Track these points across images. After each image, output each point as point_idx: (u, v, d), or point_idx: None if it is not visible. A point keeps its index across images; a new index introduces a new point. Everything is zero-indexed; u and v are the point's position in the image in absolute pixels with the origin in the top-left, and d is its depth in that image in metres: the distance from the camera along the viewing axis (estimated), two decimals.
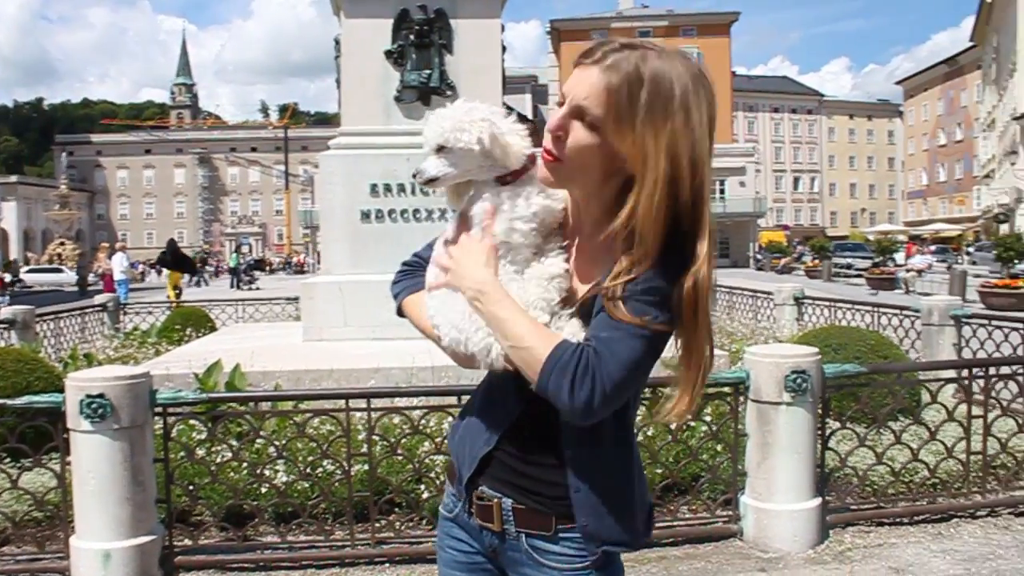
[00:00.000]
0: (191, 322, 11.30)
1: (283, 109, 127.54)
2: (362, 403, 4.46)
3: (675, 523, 4.81)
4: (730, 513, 4.83)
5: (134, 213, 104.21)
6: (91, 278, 39.78)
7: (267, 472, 4.71)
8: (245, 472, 4.77)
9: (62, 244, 54.14)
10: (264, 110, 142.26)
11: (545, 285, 1.59)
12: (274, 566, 4.48)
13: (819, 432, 4.76)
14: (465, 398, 4.20)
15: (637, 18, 70.04)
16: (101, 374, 4.27)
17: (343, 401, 4.47)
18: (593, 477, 1.59)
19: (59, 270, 47.16)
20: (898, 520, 4.99)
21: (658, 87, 1.44)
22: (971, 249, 47.69)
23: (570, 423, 1.52)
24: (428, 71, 8.83)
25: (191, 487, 4.68)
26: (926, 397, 5.43)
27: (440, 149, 1.61)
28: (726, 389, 4.78)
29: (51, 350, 10.32)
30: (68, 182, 67.73)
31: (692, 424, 5.02)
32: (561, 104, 1.51)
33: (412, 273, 1.82)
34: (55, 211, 61.33)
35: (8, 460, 4.85)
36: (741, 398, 4.72)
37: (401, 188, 8.57)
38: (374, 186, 8.60)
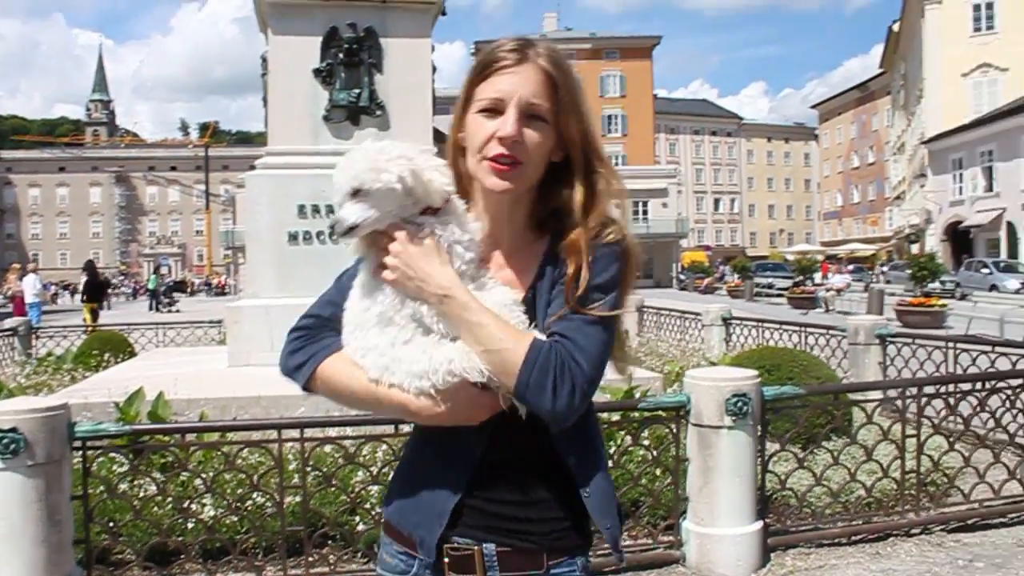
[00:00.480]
0: (109, 347, 10.88)
1: (204, 128, 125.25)
2: (294, 433, 4.28)
3: None
4: (672, 539, 4.77)
5: (47, 232, 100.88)
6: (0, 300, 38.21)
7: (194, 506, 4.49)
8: (170, 507, 4.53)
9: None
10: (184, 128, 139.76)
11: (507, 314, 1.50)
12: None
13: (759, 454, 4.75)
14: (404, 427, 4.08)
15: (561, 40, 70.74)
16: (13, 406, 4.00)
17: (274, 431, 4.29)
18: (596, 476, 1.56)
19: None
20: (837, 541, 5.00)
21: (573, 72, 1.59)
22: (885, 268, 49.29)
23: (564, 430, 1.49)
24: (358, 90, 8.68)
25: (112, 524, 4.43)
26: (859, 416, 5.48)
27: (356, 193, 1.49)
28: (667, 414, 4.73)
29: None
30: None
31: (631, 449, 4.96)
32: (492, 110, 1.52)
33: (313, 337, 1.64)
34: None
35: None
36: (682, 422, 4.68)
37: (330, 209, 8.33)
38: (302, 207, 8.39)
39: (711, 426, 4.52)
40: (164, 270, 71.38)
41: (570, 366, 1.42)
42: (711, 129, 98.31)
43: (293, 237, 8.37)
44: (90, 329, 13.70)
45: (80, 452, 4.14)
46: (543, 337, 1.46)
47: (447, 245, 1.52)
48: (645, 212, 56.22)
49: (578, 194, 1.55)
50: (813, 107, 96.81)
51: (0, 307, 35.43)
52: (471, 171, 1.57)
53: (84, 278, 19.90)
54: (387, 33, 8.72)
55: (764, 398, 4.71)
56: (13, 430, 3.82)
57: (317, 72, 8.68)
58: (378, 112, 8.70)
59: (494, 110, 1.51)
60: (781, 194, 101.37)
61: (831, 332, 9.26)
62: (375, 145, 1.53)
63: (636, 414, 4.74)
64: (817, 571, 4.65)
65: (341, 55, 8.66)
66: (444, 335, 1.51)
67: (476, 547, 1.53)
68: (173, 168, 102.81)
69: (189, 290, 63.25)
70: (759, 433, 4.72)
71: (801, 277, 38.38)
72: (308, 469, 4.40)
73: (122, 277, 76.31)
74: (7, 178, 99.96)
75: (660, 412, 4.73)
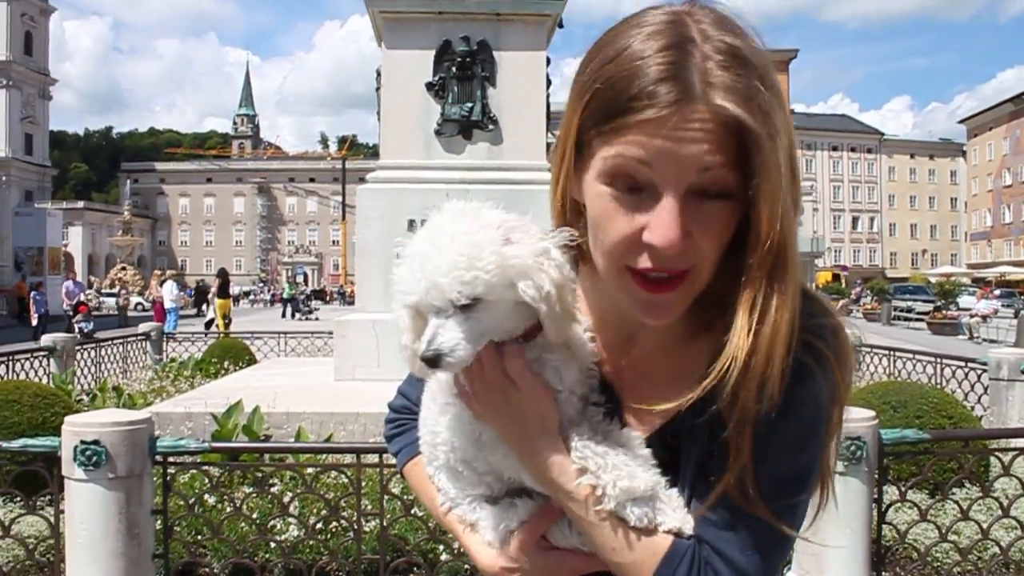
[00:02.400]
0: (230, 354, 11.18)
1: (342, 140, 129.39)
2: (373, 458, 4.16)
3: None
4: None
5: (194, 240, 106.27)
6: (145, 304, 40.35)
7: (277, 525, 4.44)
8: (253, 526, 4.49)
9: (123, 269, 55.24)
10: (324, 141, 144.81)
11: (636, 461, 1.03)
12: None
13: (875, 503, 4.32)
14: None
15: None
16: (98, 419, 4.03)
17: (352, 456, 4.17)
18: None
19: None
20: None
21: (776, 99, 0.93)
22: None
23: None
24: (470, 104, 8.59)
25: (195, 541, 4.41)
26: (996, 464, 4.95)
27: (471, 305, 0.97)
28: None
29: (89, 380, 10.24)
30: (131, 208, 69.45)
31: None
32: (632, 188, 0.94)
33: (404, 426, 1.36)
34: (118, 236, 62.78)
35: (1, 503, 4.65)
36: None
37: None
38: (412, 222, 8.32)
39: None
40: (300, 278, 73.99)
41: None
42: (850, 145, 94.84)
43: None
44: (221, 335, 14.17)
45: (161, 468, 4.14)
46: (688, 531, 1.01)
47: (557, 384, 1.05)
48: None
49: (770, 315, 0.95)
50: (961, 122, 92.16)
51: (144, 311, 37.55)
52: (601, 271, 1.03)
53: (218, 281, 21.78)
54: (500, 46, 8.60)
55: (882, 441, 4.29)
56: (96, 442, 3.83)
57: (430, 86, 8.63)
58: (491, 126, 8.58)
59: (636, 188, 0.94)
60: (924, 213, 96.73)
61: (970, 365, 8.55)
62: (491, 219, 1.01)
63: None
64: None
65: (454, 69, 8.58)
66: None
67: None
68: (312, 179, 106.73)
69: (328, 298, 65.22)
70: (875, 479, 4.31)
71: (943, 301, 36.34)
72: (388, 496, 4.27)
73: (261, 284, 79.59)
74: (160, 188, 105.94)
75: None
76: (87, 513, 3.87)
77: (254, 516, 4.49)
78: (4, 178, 61.15)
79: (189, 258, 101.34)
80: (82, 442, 3.83)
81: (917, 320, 33.08)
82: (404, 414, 1.38)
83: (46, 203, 63.33)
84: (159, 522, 4.14)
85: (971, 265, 76.44)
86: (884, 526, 4.40)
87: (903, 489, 4.46)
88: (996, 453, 4.74)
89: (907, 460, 4.71)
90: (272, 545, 4.46)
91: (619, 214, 0.95)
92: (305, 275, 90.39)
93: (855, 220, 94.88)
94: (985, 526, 4.60)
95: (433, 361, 0.97)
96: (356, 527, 4.21)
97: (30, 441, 4.14)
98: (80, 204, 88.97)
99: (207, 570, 4.53)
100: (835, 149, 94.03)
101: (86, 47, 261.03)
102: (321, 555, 4.46)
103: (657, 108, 0.89)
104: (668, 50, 0.90)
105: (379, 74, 9.27)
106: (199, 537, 4.58)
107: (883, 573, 4.40)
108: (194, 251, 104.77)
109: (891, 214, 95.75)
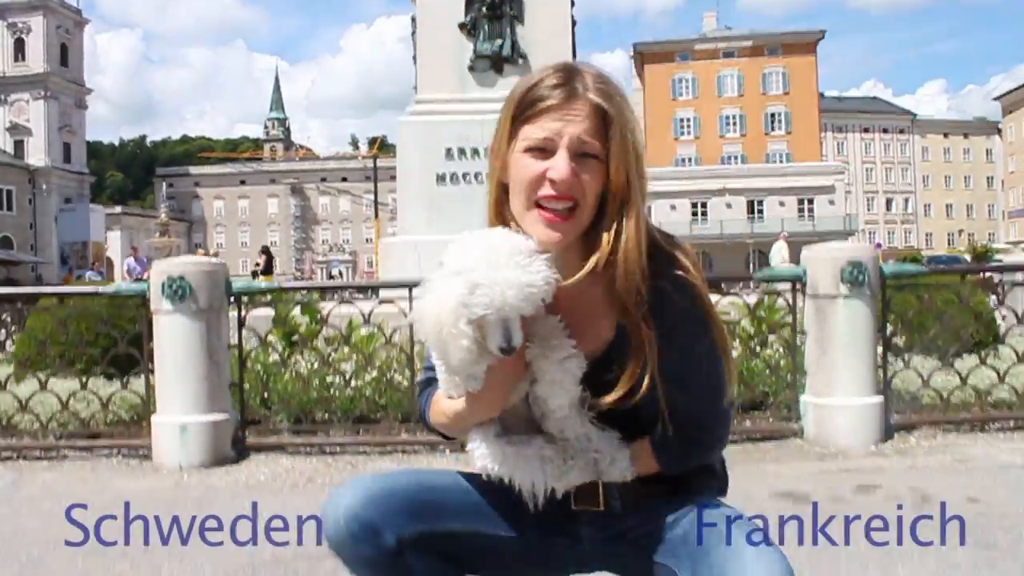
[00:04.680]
0: None
1: (372, 141, 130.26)
2: None
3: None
4: (790, 413, 4.82)
5: (230, 241, 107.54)
6: None
7: (337, 379, 4.96)
8: (317, 378, 5.00)
9: None
10: (354, 143, 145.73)
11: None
12: (340, 451, 4.69)
13: (880, 332, 4.72)
14: None
15: (721, 39, 69.79)
16: (182, 260, 4.56)
17: (405, 290, 4.64)
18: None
19: None
20: (969, 424, 4.90)
21: (625, 100, 1.49)
22: None
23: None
24: (500, 41, 9.09)
25: (264, 381, 4.94)
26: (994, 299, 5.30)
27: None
28: (783, 286, 4.80)
29: None
30: (168, 211, 70.65)
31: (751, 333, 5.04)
32: (540, 149, 1.44)
33: (426, 391, 1.68)
34: (156, 238, 63.88)
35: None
36: (799, 295, 4.73)
37: (475, 152, 8.81)
38: (449, 150, 8.87)
39: (827, 295, 4.56)
40: (336, 272, 74.81)
41: (696, 440, 1.51)
42: (882, 126, 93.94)
43: (441, 178, 8.86)
44: None
45: (236, 305, 4.66)
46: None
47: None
48: (811, 209, 54.42)
49: (625, 230, 1.44)
50: (996, 99, 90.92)
51: None
52: (516, 216, 1.49)
53: (264, 258, 22.45)
54: None
55: (883, 274, 4.69)
56: (181, 277, 4.37)
57: (462, 26, 9.16)
58: (520, 61, 9.07)
59: (542, 150, 1.43)
60: (960, 193, 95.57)
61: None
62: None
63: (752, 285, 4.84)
64: (943, 449, 4.58)
65: (484, 9, 9.10)
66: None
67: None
68: (344, 179, 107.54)
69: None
70: (879, 309, 4.70)
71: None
72: None
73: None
74: (195, 192, 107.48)
75: (777, 284, 4.80)
76: (174, 340, 4.40)
77: (314, 370, 5.00)
78: (45, 186, 62.77)
79: (225, 259, 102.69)
80: (169, 278, 4.36)
81: None
82: (424, 385, 1.69)
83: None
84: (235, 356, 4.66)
85: (1010, 242, 75.50)
86: (889, 362, 4.79)
87: (908, 317, 4.85)
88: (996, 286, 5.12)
89: (908, 290, 5.04)
90: (334, 392, 4.97)
91: (532, 165, 1.44)
92: (340, 272, 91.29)
93: (889, 202, 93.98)
94: (987, 360, 4.99)
95: (509, 351, 1.38)
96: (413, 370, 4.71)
97: (123, 285, 4.68)
98: (118, 209, 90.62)
99: (273, 424, 5.03)
100: (866, 131, 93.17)
101: (118, 59, 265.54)
102: (380, 406, 4.98)
103: (555, 100, 1.44)
104: (561, 73, 1.48)
105: (414, 20, 9.79)
106: (265, 395, 5.09)
107: (889, 394, 4.79)
108: (230, 251, 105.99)
109: (926, 195, 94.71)
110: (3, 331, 7.76)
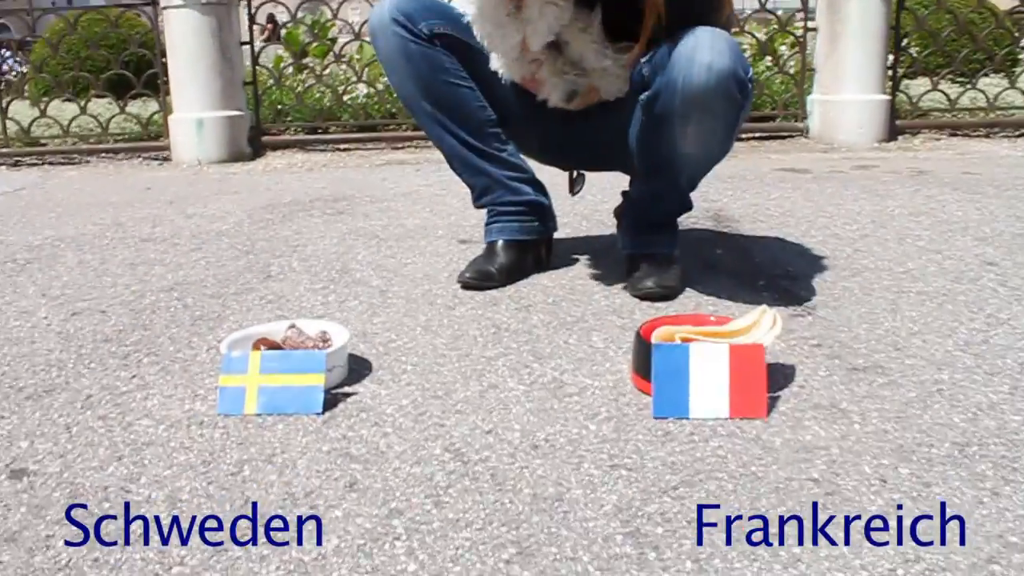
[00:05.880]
0: None
1: None
2: None
3: None
4: (796, 112, 4.87)
5: None
6: None
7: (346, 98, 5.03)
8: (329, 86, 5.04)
9: None
10: None
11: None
12: (353, 148, 4.83)
13: (892, 28, 4.66)
14: None
15: None
16: None
17: None
18: None
19: None
20: (975, 128, 4.96)
21: None
22: None
23: None
24: None
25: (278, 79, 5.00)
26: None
27: None
28: None
29: None
30: None
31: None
32: None
33: None
34: None
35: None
36: None
37: None
38: None
39: None
40: None
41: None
42: None
43: None
44: None
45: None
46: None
47: None
48: None
49: None
50: None
51: None
52: None
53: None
54: None
55: None
56: None
57: None
58: None
59: None
60: None
61: None
62: None
63: None
64: (946, 148, 4.63)
65: None
66: None
67: None
68: None
69: None
70: (893, 3, 4.61)
71: None
72: None
73: None
74: None
75: None
76: (185, 35, 4.42)
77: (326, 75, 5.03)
78: None
79: None
80: None
81: None
82: None
83: None
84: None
85: None
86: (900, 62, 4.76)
87: (919, 15, 4.78)
88: None
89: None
90: (346, 100, 5.03)
91: None
92: None
93: None
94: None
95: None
96: None
97: None
98: None
99: (288, 136, 5.12)
100: None
101: None
102: (390, 112, 5.05)
103: None
104: None
105: None
106: (281, 106, 5.14)
107: (897, 95, 4.81)
108: None
109: None
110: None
